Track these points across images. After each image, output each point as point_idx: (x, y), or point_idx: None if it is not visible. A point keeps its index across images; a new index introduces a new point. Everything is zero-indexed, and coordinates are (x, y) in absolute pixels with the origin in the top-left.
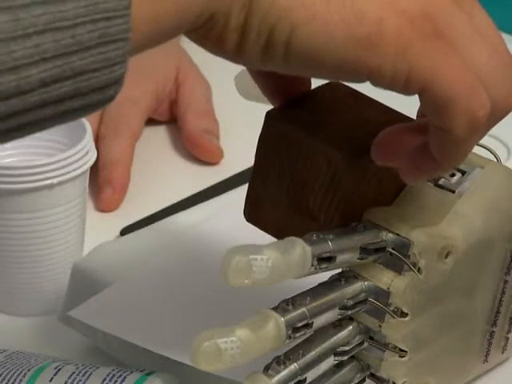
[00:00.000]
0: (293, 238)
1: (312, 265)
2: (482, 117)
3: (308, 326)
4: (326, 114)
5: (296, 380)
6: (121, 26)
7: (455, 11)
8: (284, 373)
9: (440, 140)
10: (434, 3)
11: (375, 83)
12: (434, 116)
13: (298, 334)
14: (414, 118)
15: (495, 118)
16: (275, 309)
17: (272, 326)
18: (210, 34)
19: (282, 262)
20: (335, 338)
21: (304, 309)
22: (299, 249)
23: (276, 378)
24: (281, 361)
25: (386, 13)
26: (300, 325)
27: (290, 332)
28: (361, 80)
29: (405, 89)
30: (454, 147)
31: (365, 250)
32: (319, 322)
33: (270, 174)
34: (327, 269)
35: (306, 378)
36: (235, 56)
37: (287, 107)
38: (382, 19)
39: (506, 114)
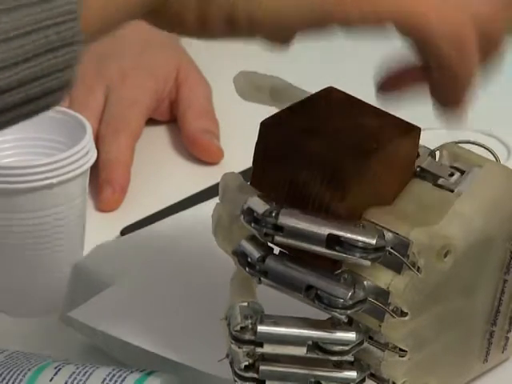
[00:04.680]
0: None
1: (242, 208)
2: (468, 33)
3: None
4: (321, 120)
5: (248, 338)
6: (72, 30)
7: None
8: (239, 324)
9: (439, 74)
10: None
11: (346, 30)
12: (418, 46)
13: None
14: (412, 120)
15: (485, 37)
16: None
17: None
18: (168, 15)
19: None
20: (319, 331)
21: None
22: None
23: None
24: (249, 316)
25: None
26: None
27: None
28: (329, 31)
29: (377, 27)
30: (451, 67)
31: (364, 250)
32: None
33: (269, 181)
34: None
35: (262, 344)
36: (198, 34)
37: (282, 115)
38: None
39: (495, 31)
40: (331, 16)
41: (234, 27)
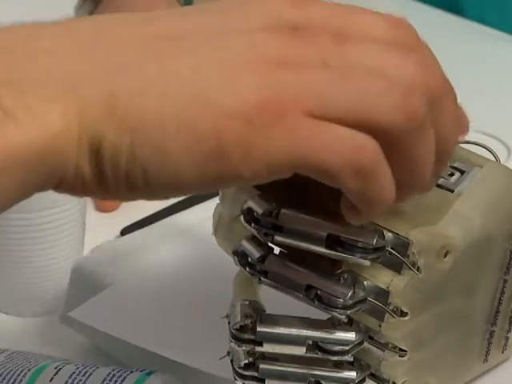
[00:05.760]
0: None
1: (242, 208)
2: (366, 160)
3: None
4: None
5: (247, 337)
6: None
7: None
8: (239, 323)
9: (348, 195)
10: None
11: (247, 184)
12: (323, 181)
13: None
14: None
15: (402, 134)
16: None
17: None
18: (73, 189)
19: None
20: (319, 331)
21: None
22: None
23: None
24: (249, 315)
25: (221, 122)
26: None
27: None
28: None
29: (279, 176)
30: (362, 196)
31: (364, 250)
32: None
33: (268, 182)
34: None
35: (261, 343)
36: (106, 199)
37: None
38: (219, 131)
39: (410, 124)
40: (222, 179)
41: (133, 191)
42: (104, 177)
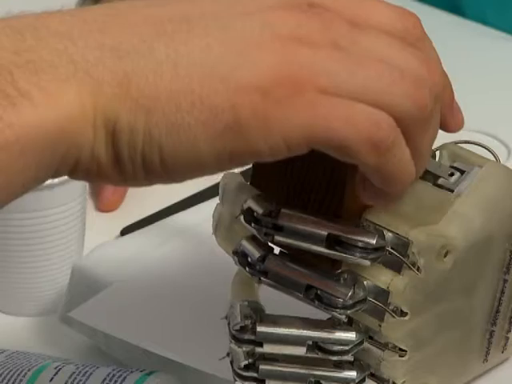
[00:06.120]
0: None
1: (242, 208)
2: (384, 136)
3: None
4: None
5: (247, 337)
6: None
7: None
8: (239, 323)
9: (366, 172)
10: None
11: (264, 159)
12: (341, 158)
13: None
14: None
15: (411, 123)
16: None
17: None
18: (88, 174)
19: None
20: (319, 331)
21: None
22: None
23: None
24: (249, 316)
25: (237, 97)
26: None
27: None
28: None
29: (296, 152)
30: (380, 173)
31: (364, 250)
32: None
33: (269, 181)
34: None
35: (262, 344)
36: (122, 185)
37: None
38: (236, 105)
39: (419, 115)
40: (239, 155)
41: (151, 173)
42: (120, 159)
